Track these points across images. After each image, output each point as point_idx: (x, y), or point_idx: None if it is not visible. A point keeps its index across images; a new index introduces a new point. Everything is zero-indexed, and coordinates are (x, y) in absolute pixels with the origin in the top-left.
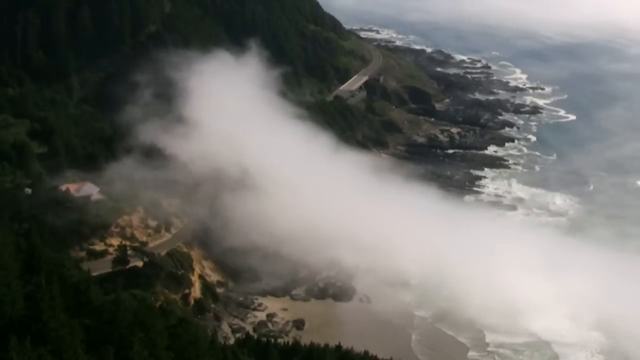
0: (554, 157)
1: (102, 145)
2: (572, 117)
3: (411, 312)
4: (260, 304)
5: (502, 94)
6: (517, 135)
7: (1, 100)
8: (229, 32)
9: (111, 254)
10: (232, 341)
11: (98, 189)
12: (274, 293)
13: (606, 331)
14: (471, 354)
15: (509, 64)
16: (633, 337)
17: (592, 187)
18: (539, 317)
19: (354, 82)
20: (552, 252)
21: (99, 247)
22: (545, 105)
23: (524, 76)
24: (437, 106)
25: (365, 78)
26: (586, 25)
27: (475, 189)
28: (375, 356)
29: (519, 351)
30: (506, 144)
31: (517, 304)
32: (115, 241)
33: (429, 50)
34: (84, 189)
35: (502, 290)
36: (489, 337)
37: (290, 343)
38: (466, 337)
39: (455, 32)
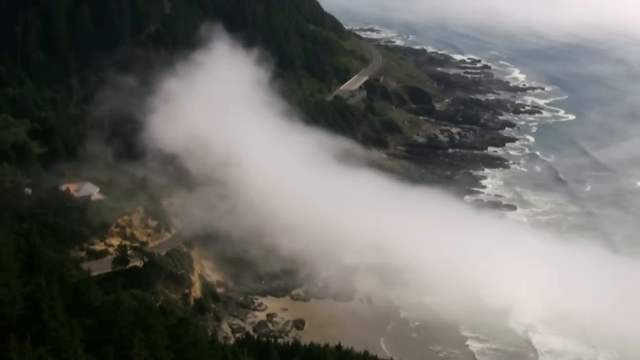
0: (554, 157)
1: (102, 145)
2: (572, 117)
3: (411, 311)
4: (260, 304)
5: (502, 94)
6: (517, 135)
7: (1, 100)
8: (229, 32)
9: (111, 254)
10: (232, 341)
11: (98, 189)
12: (274, 293)
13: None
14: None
15: (507, 63)
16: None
17: (589, 188)
18: (539, 317)
19: (354, 82)
20: (551, 253)
21: (99, 247)
22: (545, 105)
23: (523, 76)
24: (437, 106)
25: (365, 78)
26: (573, 25)
27: (475, 189)
28: (375, 356)
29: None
30: (506, 144)
31: (515, 305)
32: (115, 241)
33: (429, 50)
34: (84, 189)
35: (500, 290)
36: (489, 341)
37: (290, 343)
38: (465, 338)
39: (443, 32)
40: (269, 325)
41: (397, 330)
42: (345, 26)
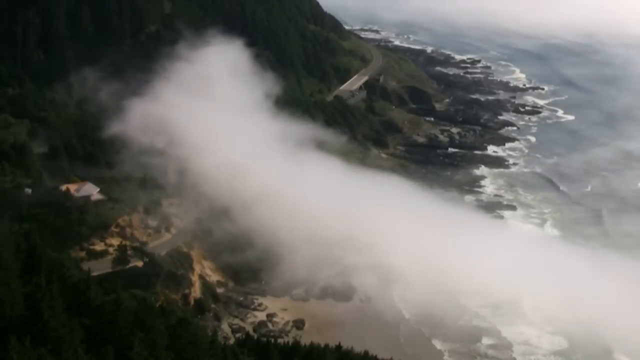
0: (554, 157)
1: (102, 145)
2: (571, 117)
3: (411, 311)
4: (260, 304)
5: (502, 94)
6: (517, 136)
7: (1, 100)
8: (229, 32)
9: (111, 254)
10: (232, 341)
11: (98, 189)
12: (274, 293)
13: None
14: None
15: (508, 63)
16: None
17: (589, 188)
18: (543, 319)
19: (354, 82)
20: (550, 253)
21: (99, 247)
22: (545, 105)
23: (523, 76)
24: (437, 106)
25: (365, 78)
26: (572, 25)
27: (475, 189)
28: (375, 356)
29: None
30: (506, 144)
31: (513, 306)
32: (115, 241)
33: (428, 50)
34: (84, 189)
35: (499, 291)
36: (485, 340)
37: (290, 343)
38: (465, 338)
39: (443, 32)
40: (269, 325)
41: (397, 330)
42: (345, 26)
